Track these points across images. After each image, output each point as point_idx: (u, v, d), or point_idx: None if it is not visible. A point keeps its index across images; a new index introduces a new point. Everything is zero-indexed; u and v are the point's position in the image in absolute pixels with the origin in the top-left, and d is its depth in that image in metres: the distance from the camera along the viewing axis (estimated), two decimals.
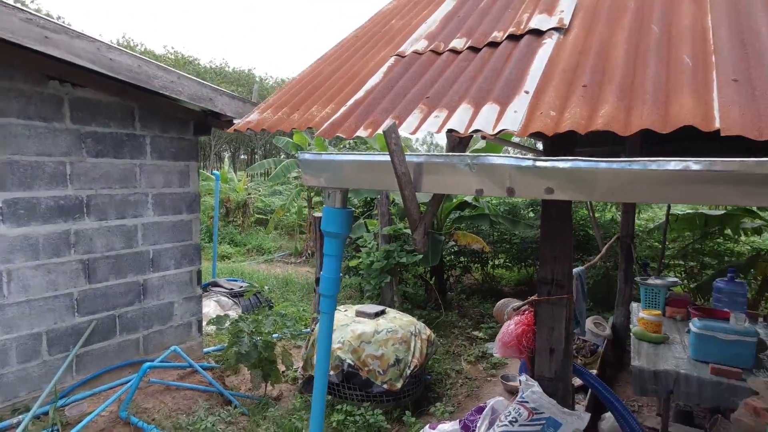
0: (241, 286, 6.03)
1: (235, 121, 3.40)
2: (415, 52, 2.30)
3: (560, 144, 2.30)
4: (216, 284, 6.34)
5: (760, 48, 1.44)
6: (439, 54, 2.23)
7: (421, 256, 5.02)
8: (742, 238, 6.95)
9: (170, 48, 34.62)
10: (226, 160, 18.71)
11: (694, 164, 1.11)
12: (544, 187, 1.35)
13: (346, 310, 4.40)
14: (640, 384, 3.57)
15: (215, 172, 8.18)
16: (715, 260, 6.89)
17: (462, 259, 7.19)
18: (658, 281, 4.80)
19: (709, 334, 3.55)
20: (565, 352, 2.84)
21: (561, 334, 2.83)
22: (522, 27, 2.10)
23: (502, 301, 3.45)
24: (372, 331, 4.00)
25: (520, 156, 1.39)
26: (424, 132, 1.78)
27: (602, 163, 1.23)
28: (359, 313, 4.29)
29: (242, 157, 33.03)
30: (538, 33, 2.03)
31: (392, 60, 2.32)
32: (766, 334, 4.16)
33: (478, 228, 6.95)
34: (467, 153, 1.64)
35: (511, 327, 3.15)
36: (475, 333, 5.68)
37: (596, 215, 7.00)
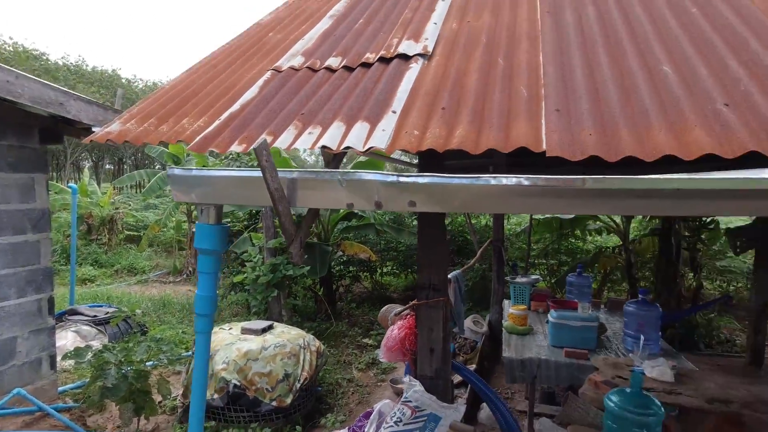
0: (107, 312, 5.38)
1: (94, 129, 3.07)
2: (292, 68, 2.33)
3: (431, 158, 2.51)
4: (75, 312, 5.57)
5: (575, 84, 1.74)
6: (315, 71, 2.29)
7: (308, 268, 5.01)
8: (589, 238, 8.13)
9: (8, 38, 28.32)
10: (86, 170, 16.57)
11: (525, 180, 1.31)
12: (407, 201, 1.47)
13: (231, 328, 4.21)
14: (510, 372, 3.98)
15: (72, 184, 7.21)
16: (569, 258, 7.96)
17: (351, 268, 7.32)
18: (524, 279, 5.41)
19: (563, 322, 4.09)
20: (444, 351, 3.06)
21: (439, 335, 3.03)
22: (392, 51, 2.26)
23: (386, 307, 3.60)
24: (259, 348, 3.88)
25: (386, 172, 1.50)
26: (298, 148, 1.82)
27: (455, 179, 1.39)
28: (245, 330, 4.13)
29: (108, 167, 29.53)
30: (405, 57, 2.20)
31: (269, 74, 2.32)
32: (606, 318, 4.92)
33: (365, 237, 7.15)
34: (339, 169, 1.71)
35: (394, 332, 3.31)
36: (366, 340, 5.81)
37: (473, 221, 7.66)
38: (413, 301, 3.09)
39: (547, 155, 1.45)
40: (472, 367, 5.15)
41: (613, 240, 8.00)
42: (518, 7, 2.44)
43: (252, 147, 1.53)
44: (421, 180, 1.43)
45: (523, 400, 5.03)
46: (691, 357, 5.82)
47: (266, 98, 2.12)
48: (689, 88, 1.59)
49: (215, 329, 4.35)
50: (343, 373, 5.09)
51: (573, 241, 7.90)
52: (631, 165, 1.47)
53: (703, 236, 6.95)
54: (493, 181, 1.31)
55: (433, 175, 1.41)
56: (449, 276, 4.43)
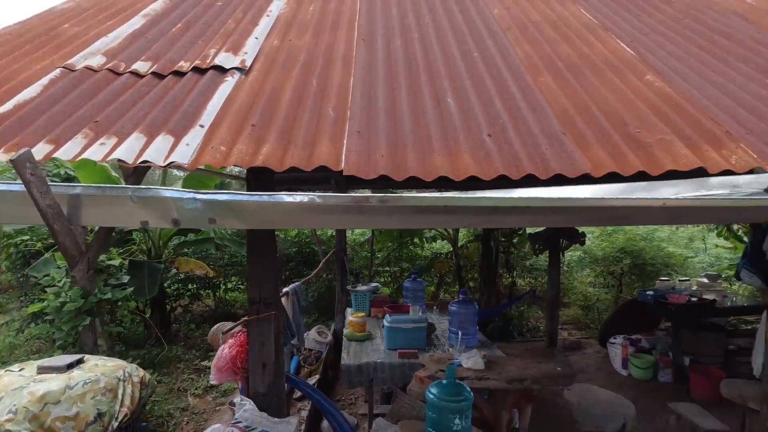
0: None
1: None
2: (89, 68, 2.08)
3: (260, 174, 2.48)
4: None
5: (377, 109, 1.92)
6: (118, 74, 2.09)
7: (131, 289, 4.47)
8: (426, 245, 8.90)
9: None
10: None
11: (317, 198, 1.39)
12: (207, 218, 1.43)
13: (22, 369, 3.52)
14: (348, 378, 4.12)
15: None
16: (410, 264, 8.59)
17: (191, 286, 6.76)
18: (365, 287, 5.67)
19: (396, 326, 4.40)
20: (277, 365, 3.03)
21: (271, 349, 3.00)
22: (208, 61, 2.19)
23: (216, 326, 3.42)
24: (62, 388, 3.32)
25: (183, 189, 1.44)
26: (88, 159, 1.63)
27: (252, 197, 1.40)
28: (43, 369, 3.50)
29: None
30: (222, 70, 2.15)
31: (58, 72, 2.04)
32: (437, 318, 5.43)
33: (206, 252, 6.69)
34: (142, 184, 1.59)
35: (225, 351, 3.16)
36: (205, 363, 5.42)
37: (318, 232, 7.76)
38: (244, 317, 3.01)
39: (343, 174, 1.56)
40: (316, 377, 5.20)
41: (448, 246, 8.89)
42: (338, 31, 2.59)
43: (12, 157, 1.32)
44: (219, 197, 1.41)
45: (365, 403, 5.24)
46: (507, 345, 6.79)
47: (51, 99, 1.86)
48: (466, 119, 1.88)
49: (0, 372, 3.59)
50: (177, 401, 4.66)
51: (412, 248, 8.56)
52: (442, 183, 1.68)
53: (515, 240, 8.19)
54: (287, 199, 1.36)
55: (232, 192, 1.41)
56: (287, 289, 4.42)
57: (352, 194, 1.37)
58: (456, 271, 8.14)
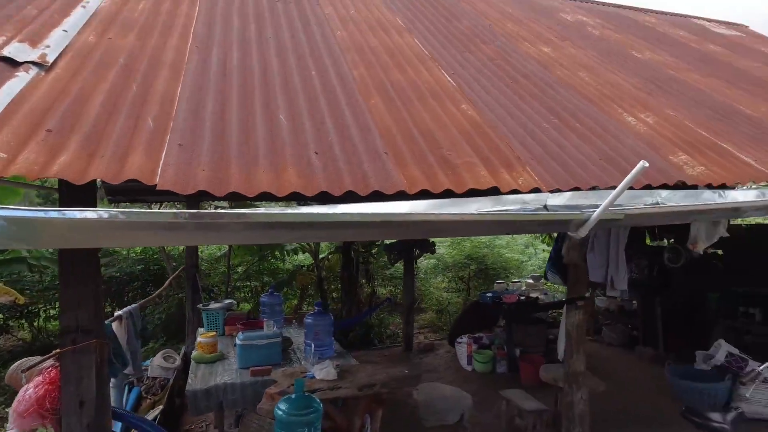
0: None
1: None
2: None
3: (82, 189, 2.18)
4: None
5: (204, 121, 1.85)
6: None
7: None
8: (287, 258, 8.76)
9: None
10: None
11: (120, 215, 1.28)
12: None
13: None
14: (194, 404, 3.82)
15: None
16: (272, 278, 8.35)
17: None
18: (217, 305, 5.35)
19: (249, 343, 4.23)
20: (99, 400, 2.68)
21: (92, 383, 2.65)
22: None
23: (17, 363, 2.91)
24: None
25: None
26: None
27: (37, 213, 1.23)
28: None
29: None
30: (12, 63, 1.86)
31: None
32: (296, 332, 5.35)
33: (19, 275, 5.59)
34: None
35: (29, 392, 2.70)
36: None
37: (168, 248, 7.11)
38: (55, 351, 2.61)
39: (157, 188, 1.47)
40: (160, 408, 4.71)
41: (310, 259, 8.88)
42: (169, 35, 2.44)
43: None
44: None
45: (215, 429, 4.92)
46: (367, 352, 7.01)
47: None
48: (296, 135, 1.92)
49: None
50: None
51: (273, 261, 8.35)
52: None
53: (373, 251, 8.53)
54: (78, 215, 1.23)
55: (16, 208, 1.22)
56: (119, 312, 3.96)
57: (163, 211, 1.30)
58: (318, 283, 8.16)
